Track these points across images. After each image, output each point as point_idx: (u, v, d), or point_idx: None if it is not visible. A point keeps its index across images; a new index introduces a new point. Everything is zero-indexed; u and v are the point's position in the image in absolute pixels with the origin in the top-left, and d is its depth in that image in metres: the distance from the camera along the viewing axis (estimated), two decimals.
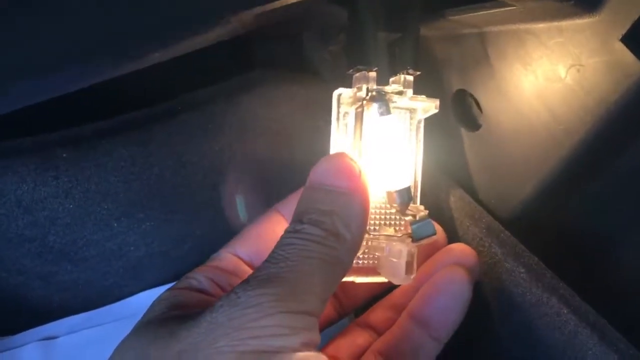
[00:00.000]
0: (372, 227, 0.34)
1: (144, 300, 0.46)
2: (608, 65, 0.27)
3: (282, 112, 0.42)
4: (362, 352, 0.36)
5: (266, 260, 0.27)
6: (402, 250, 0.32)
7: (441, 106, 0.33)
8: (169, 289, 0.33)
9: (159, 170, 0.40)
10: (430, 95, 0.33)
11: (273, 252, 0.28)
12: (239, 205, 0.41)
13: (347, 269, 0.29)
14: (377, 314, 0.38)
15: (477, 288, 0.37)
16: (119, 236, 0.42)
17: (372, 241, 0.33)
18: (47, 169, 0.37)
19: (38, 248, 0.40)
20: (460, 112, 0.38)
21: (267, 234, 0.36)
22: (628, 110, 0.27)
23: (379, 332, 0.37)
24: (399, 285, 0.37)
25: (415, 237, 0.32)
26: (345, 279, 0.33)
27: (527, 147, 0.33)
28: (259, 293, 0.25)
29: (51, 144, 0.37)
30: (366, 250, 0.34)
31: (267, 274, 0.26)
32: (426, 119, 0.35)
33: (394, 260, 0.33)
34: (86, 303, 0.45)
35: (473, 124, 0.38)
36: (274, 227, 0.36)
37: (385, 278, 0.34)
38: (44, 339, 0.45)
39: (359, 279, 0.34)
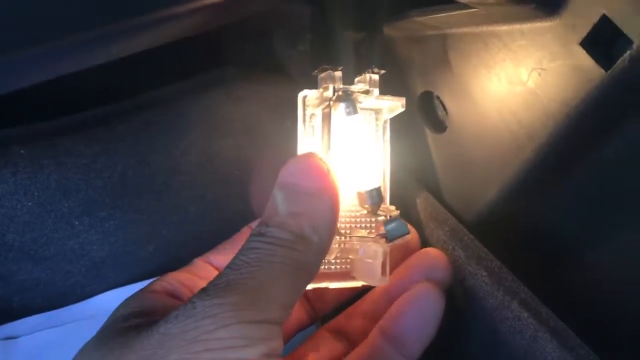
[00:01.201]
0: (344, 230, 0.34)
1: (106, 300, 0.45)
2: (569, 69, 0.27)
3: (250, 111, 0.42)
4: None
5: (227, 267, 0.26)
6: (377, 250, 0.32)
7: (407, 108, 0.33)
8: (138, 291, 0.32)
9: (121, 168, 0.39)
10: (397, 96, 0.33)
11: (235, 257, 0.27)
12: None
13: (314, 274, 0.28)
14: (348, 322, 0.37)
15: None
16: (81, 235, 0.41)
17: (344, 244, 0.33)
18: (5, 165, 0.36)
19: None
20: (426, 113, 0.38)
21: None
22: (588, 115, 0.27)
23: (349, 340, 0.36)
24: (371, 289, 0.37)
25: (389, 238, 0.31)
26: (317, 285, 0.33)
27: (491, 149, 0.33)
28: (216, 303, 0.24)
29: (9, 140, 0.36)
30: (339, 254, 0.33)
31: (226, 281, 0.25)
32: (392, 121, 0.34)
33: (369, 261, 0.32)
34: (47, 303, 0.45)
35: (439, 126, 0.38)
36: None
37: (361, 280, 0.34)
38: (3, 339, 0.44)
39: (333, 285, 0.34)
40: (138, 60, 0.35)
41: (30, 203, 0.38)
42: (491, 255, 0.34)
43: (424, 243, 0.37)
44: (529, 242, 0.36)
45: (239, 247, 0.32)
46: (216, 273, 0.35)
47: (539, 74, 0.28)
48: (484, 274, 0.33)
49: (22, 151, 0.36)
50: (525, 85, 0.29)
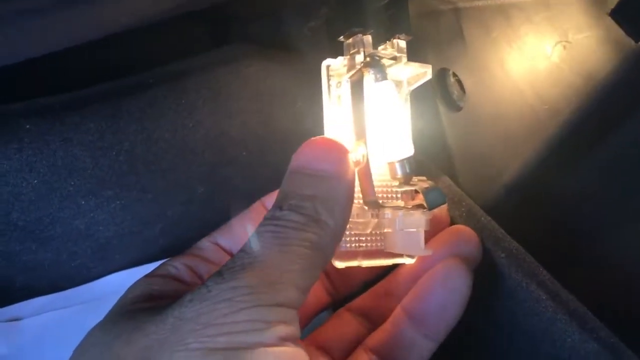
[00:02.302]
0: (381, 201, 0.32)
1: (112, 282, 0.44)
2: (596, 41, 0.26)
3: (259, 90, 0.41)
4: (352, 342, 0.35)
5: (241, 250, 0.26)
6: (420, 218, 0.31)
7: (420, 87, 0.32)
8: (145, 276, 0.32)
9: (129, 146, 0.38)
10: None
11: (249, 240, 0.26)
12: None
13: (329, 257, 0.28)
14: (370, 301, 0.36)
15: None
16: (87, 215, 0.40)
17: (378, 217, 0.31)
18: (9, 140, 0.35)
19: (1, 225, 0.39)
20: (441, 92, 0.37)
21: (251, 225, 0.34)
22: (616, 87, 0.26)
23: (370, 320, 0.36)
24: (394, 268, 0.36)
25: (429, 206, 0.30)
26: (349, 264, 0.32)
27: (510, 128, 0.32)
28: (231, 286, 0.24)
29: (14, 114, 0.35)
30: (372, 230, 0.32)
31: (241, 265, 0.25)
32: (409, 98, 0.33)
33: (411, 231, 0.31)
34: (51, 284, 0.44)
35: (455, 105, 0.37)
36: (259, 218, 0.34)
37: (400, 253, 0.32)
38: (6, 321, 0.44)
39: (365, 263, 0.32)
40: (147, 35, 0.34)
41: (35, 181, 0.37)
42: (509, 237, 0.33)
43: None
44: (546, 224, 0.36)
45: (247, 224, 0.32)
46: (223, 254, 0.34)
47: (564, 47, 0.27)
48: (502, 255, 0.33)
49: (27, 126, 0.35)
50: (549, 59, 0.28)
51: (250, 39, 0.43)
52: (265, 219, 0.27)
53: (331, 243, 0.28)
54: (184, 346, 0.23)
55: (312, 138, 0.30)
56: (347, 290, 0.37)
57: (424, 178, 0.32)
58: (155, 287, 0.30)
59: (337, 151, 0.28)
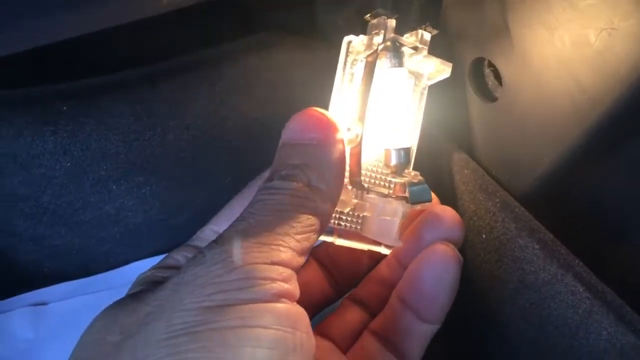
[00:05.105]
0: (366, 184, 0.33)
1: (139, 269, 0.44)
2: None
3: (292, 78, 0.41)
4: (353, 329, 0.36)
5: (235, 220, 0.26)
6: (397, 208, 0.31)
7: (456, 75, 0.32)
8: (148, 269, 0.33)
9: (161, 131, 0.38)
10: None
11: (243, 211, 0.27)
12: None
13: (326, 221, 0.28)
14: (366, 289, 0.37)
15: (487, 266, 0.35)
16: (117, 200, 0.40)
17: (361, 199, 0.32)
18: (46, 122, 0.35)
19: (32, 208, 0.39)
20: (476, 82, 0.37)
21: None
22: None
23: (369, 308, 0.36)
24: (383, 257, 0.36)
25: (411, 200, 0.31)
26: (324, 239, 0.32)
27: (547, 118, 0.32)
28: (224, 249, 0.25)
29: (51, 95, 0.35)
30: (353, 209, 0.32)
31: (234, 231, 0.25)
32: (441, 88, 0.33)
33: (387, 218, 0.32)
34: (79, 270, 0.44)
35: (489, 95, 0.36)
36: None
37: (373, 238, 0.33)
38: (33, 305, 0.44)
39: (339, 241, 0.33)
40: (182, 21, 0.35)
41: (69, 164, 0.37)
42: (543, 228, 0.33)
43: (472, 214, 0.36)
44: (583, 218, 0.35)
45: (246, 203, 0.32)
46: None
47: (609, 35, 0.27)
48: (536, 246, 0.32)
49: (64, 108, 0.35)
50: (592, 47, 0.28)
51: (284, 28, 0.43)
52: (258, 191, 0.27)
53: (325, 206, 0.28)
54: (182, 306, 0.23)
55: (298, 112, 0.30)
56: (350, 283, 0.38)
57: (418, 173, 0.32)
58: (156, 279, 0.31)
59: (323, 120, 0.29)
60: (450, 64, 0.32)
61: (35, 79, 0.36)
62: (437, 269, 0.33)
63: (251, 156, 0.42)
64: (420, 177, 0.32)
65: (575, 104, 0.30)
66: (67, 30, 0.31)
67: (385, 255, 0.36)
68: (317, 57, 0.41)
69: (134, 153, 0.38)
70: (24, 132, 0.35)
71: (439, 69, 0.32)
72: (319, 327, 0.36)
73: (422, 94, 0.33)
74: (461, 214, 0.36)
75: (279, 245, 0.25)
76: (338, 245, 0.33)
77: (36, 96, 0.36)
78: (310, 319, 0.35)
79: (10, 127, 0.35)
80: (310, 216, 0.27)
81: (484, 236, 0.36)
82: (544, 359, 0.33)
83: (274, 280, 0.24)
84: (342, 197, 0.30)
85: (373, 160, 0.33)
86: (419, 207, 0.31)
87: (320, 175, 0.27)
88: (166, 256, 0.34)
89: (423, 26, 0.30)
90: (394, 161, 0.31)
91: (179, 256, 0.33)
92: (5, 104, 0.35)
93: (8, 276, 0.42)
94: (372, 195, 0.32)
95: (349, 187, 0.31)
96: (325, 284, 0.37)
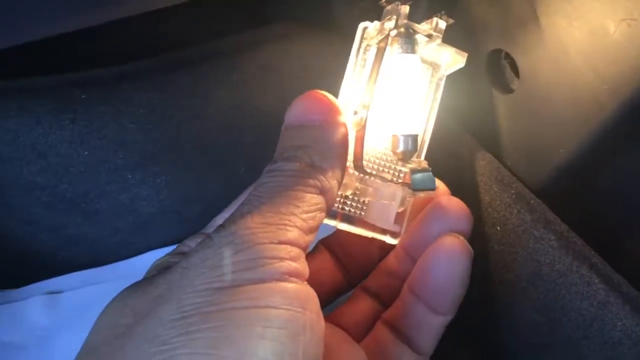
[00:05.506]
0: (369, 169, 0.33)
1: (151, 259, 0.44)
2: None
3: (308, 68, 0.41)
4: (366, 319, 0.36)
5: (241, 204, 0.27)
6: (395, 192, 0.31)
7: (473, 66, 0.32)
8: (163, 255, 0.33)
9: (177, 121, 0.39)
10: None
11: (248, 195, 0.27)
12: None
13: (332, 199, 0.28)
14: (377, 280, 0.37)
15: (501, 257, 0.35)
16: (132, 189, 0.40)
17: (365, 183, 0.32)
18: (64, 110, 0.35)
19: (49, 197, 0.39)
20: (494, 73, 0.37)
21: None
22: None
23: (380, 298, 0.37)
24: (393, 248, 0.36)
25: (413, 187, 0.31)
26: (327, 222, 0.32)
27: (565, 109, 0.32)
28: (232, 231, 0.25)
29: (70, 84, 0.36)
30: (357, 193, 0.32)
31: (240, 214, 0.26)
32: (457, 79, 0.33)
33: (385, 202, 0.32)
34: (92, 259, 0.44)
35: (506, 87, 0.36)
36: None
37: (373, 223, 0.33)
38: (47, 293, 0.44)
39: (342, 225, 0.33)
40: (199, 11, 0.35)
41: (86, 152, 0.37)
42: (559, 219, 0.33)
43: (487, 206, 0.36)
44: (599, 210, 0.35)
45: None
46: None
47: (629, 25, 0.27)
48: (552, 237, 0.32)
49: (83, 96, 0.35)
50: (612, 37, 0.28)
51: (300, 19, 0.43)
52: (262, 175, 0.28)
53: (329, 185, 0.28)
54: (192, 288, 0.24)
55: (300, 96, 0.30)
56: (362, 274, 0.38)
57: (425, 161, 0.32)
58: (173, 260, 0.31)
59: (324, 102, 0.29)
60: (466, 54, 0.32)
61: (54, 68, 0.36)
62: (447, 262, 0.33)
63: (266, 147, 0.42)
64: (426, 165, 0.32)
65: (594, 95, 0.30)
66: (86, 19, 0.31)
67: (394, 246, 0.36)
68: (333, 48, 0.41)
69: (150, 142, 0.38)
70: (43, 120, 0.35)
71: (455, 59, 0.32)
72: (331, 316, 0.36)
73: (438, 84, 0.33)
74: (476, 206, 0.36)
75: (286, 224, 0.25)
76: (350, 235, 0.33)
77: (54, 85, 0.36)
78: (322, 307, 0.36)
79: (30, 116, 0.35)
80: (314, 195, 0.27)
81: (498, 228, 0.36)
82: (558, 350, 0.33)
83: (282, 259, 0.24)
84: (345, 180, 0.30)
85: (382, 147, 0.33)
86: (422, 195, 0.31)
87: (323, 156, 0.28)
88: (180, 243, 0.34)
89: (439, 14, 0.31)
90: (401, 147, 0.31)
91: (193, 243, 0.33)
92: (23, 93, 0.35)
93: (25, 264, 0.43)
94: (374, 179, 0.32)
95: (351, 171, 0.31)
96: (338, 273, 0.37)
